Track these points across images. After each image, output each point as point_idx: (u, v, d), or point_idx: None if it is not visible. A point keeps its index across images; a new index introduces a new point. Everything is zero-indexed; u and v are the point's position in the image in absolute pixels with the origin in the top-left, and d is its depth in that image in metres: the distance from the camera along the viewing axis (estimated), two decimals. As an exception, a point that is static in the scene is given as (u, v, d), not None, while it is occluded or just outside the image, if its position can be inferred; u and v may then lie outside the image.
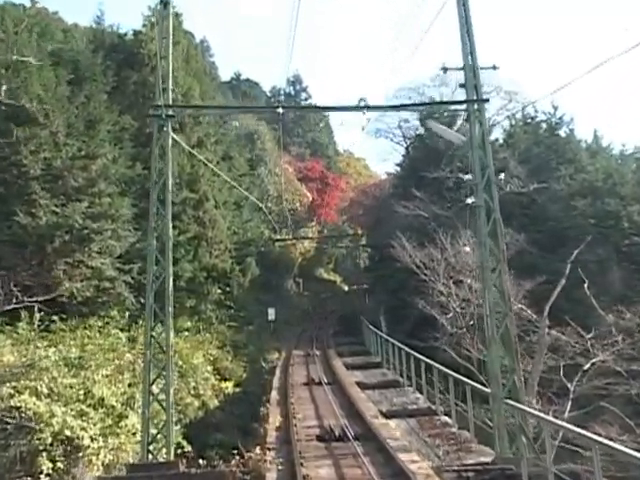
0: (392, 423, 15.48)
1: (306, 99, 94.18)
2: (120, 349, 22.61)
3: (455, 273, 30.39)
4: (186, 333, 29.66)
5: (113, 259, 26.05)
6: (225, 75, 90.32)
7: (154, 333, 14.13)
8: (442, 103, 13.24)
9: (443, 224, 33.97)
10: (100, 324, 24.93)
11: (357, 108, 13.34)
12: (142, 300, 28.55)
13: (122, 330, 25.41)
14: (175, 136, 13.85)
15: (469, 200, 17.67)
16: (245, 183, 43.12)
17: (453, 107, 13.73)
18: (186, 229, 31.47)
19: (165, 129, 13.32)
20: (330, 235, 66.69)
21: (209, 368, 25.79)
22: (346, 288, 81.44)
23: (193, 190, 31.57)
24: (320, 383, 21.26)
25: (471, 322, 30.51)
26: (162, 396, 14.28)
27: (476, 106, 13.62)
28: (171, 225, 13.39)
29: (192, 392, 22.89)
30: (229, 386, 25.87)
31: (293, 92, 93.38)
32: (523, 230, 33.49)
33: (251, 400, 27.65)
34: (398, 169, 47.31)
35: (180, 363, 22.85)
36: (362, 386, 21.67)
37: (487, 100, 13.70)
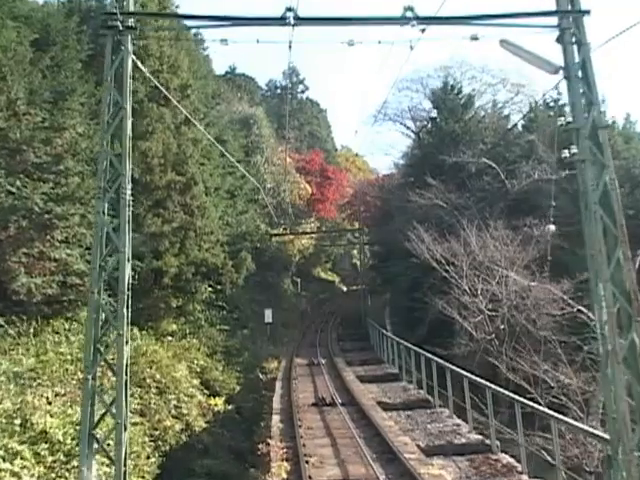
0: (439, 469, 11.27)
1: (302, 91, 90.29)
2: (85, 359, 18.39)
3: (484, 269, 26.28)
4: (170, 338, 25.42)
5: (82, 250, 21.69)
6: (219, 71, 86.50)
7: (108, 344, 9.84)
8: (523, 15, 9.11)
9: (464, 214, 29.86)
10: (67, 327, 20.81)
11: (403, 19, 9.22)
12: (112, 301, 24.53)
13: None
14: (142, 66, 9.66)
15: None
16: (239, 171, 38.88)
17: (538, 21, 9.32)
18: (171, 218, 27.16)
19: (123, 47, 9.12)
20: (331, 230, 62.44)
21: (195, 382, 21.51)
22: (344, 288, 77.88)
23: (180, 173, 27.23)
24: (333, 404, 16.97)
25: (502, 326, 26.44)
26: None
27: (571, 19, 9.48)
28: (129, 186, 9.19)
29: (173, 412, 18.63)
30: (219, 403, 21.59)
31: (290, 84, 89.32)
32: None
33: (245, 416, 23.50)
34: (408, 158, 43.25)
35: (158, 377, 18.59)
36: (383, 405, 17.49)
37: (587, 12, 9.58)
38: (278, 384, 21.06)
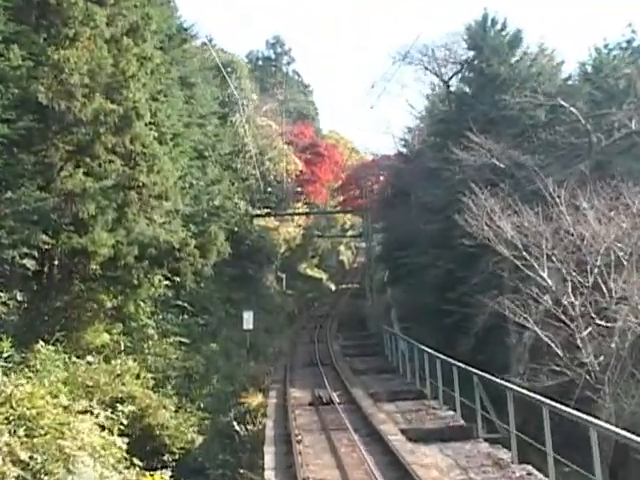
0: None
1: (288, 63, 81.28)
2: None
3: (592, 257, 17.05)
4: (90, 358, 15.81)
5: None
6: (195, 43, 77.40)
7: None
8: None
9: (543, 177, 20.54)
10: None
11: None
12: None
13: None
14: None
15: None
16: (212, 125, 29.33)
17: None
18: (102, 171, 17.58)
19: None
20: (327, 212, 53.14)
21: (118, 442, 11.68)
22: (333, 287, 69.62)
23: (115, 101, 17.51)
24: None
25: (612, 344, 17.18)
26: None
27: None
28: None
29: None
30: (160, 483, 12.00)
31: (273, 55, 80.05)
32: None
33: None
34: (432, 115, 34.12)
35: (24, 455, 8.91)
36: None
37: None
38: (269, 455, 11.27)
